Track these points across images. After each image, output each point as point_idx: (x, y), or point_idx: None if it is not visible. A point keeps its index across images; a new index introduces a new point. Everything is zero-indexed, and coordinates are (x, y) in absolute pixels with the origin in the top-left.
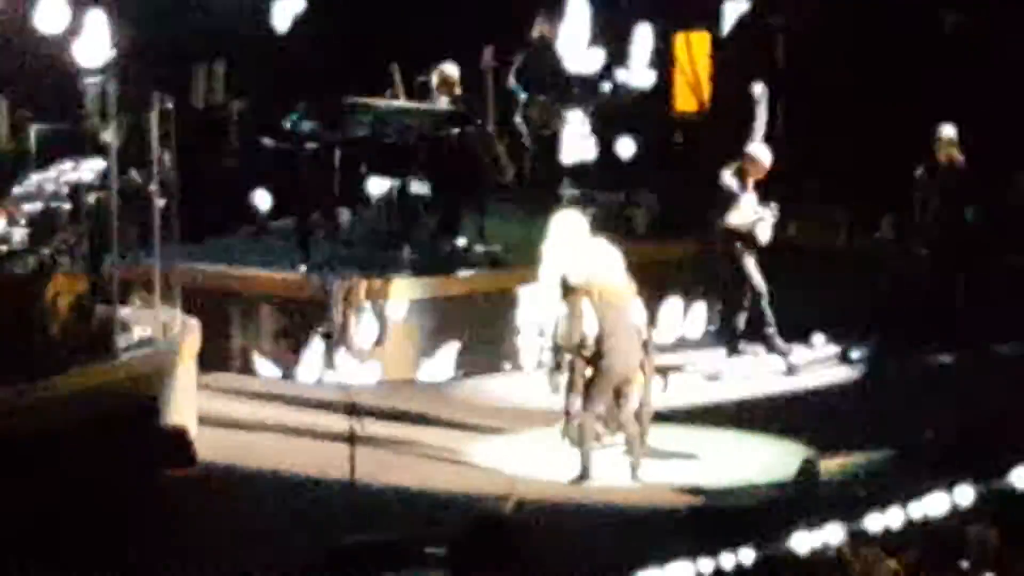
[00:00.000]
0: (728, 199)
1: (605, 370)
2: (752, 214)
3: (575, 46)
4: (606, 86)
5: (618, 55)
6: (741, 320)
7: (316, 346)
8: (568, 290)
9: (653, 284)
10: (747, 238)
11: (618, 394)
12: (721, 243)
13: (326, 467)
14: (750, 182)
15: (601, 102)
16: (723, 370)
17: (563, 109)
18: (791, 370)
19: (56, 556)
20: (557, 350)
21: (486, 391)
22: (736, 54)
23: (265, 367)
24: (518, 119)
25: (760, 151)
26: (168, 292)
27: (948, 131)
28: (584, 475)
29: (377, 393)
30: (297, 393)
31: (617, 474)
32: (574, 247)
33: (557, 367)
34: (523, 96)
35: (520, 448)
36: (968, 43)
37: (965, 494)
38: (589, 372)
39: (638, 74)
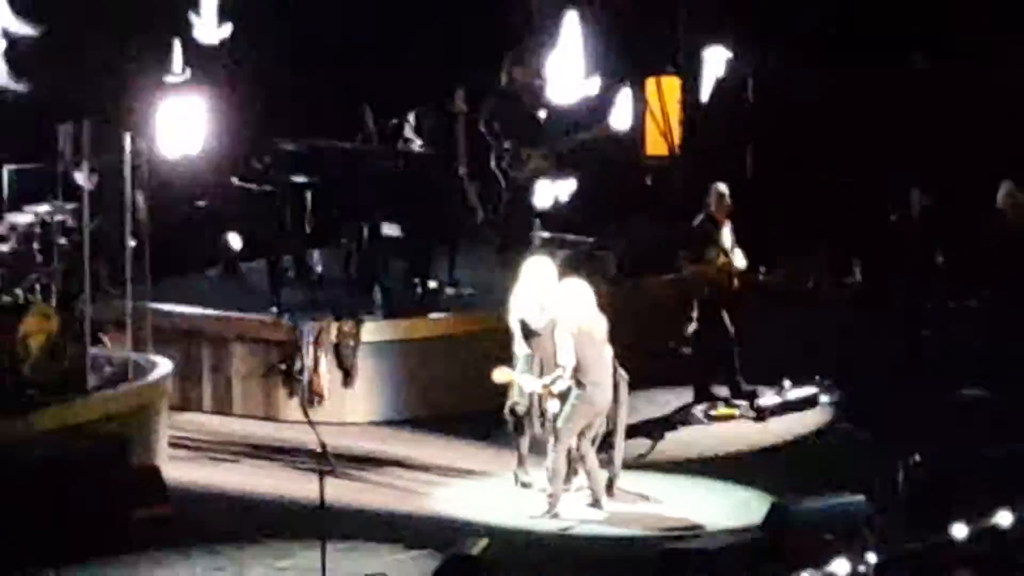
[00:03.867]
0: (698, 243)
1: (586, 402)
2: (722, 257)
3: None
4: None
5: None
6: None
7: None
8: (530, 333)
9: (625, 326)
10: (715, 282)
11: (586, 427)
12: (691, 287)
13: (296, 507)
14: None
15: (571, 146)
16: (694, 413)
17: (532, 153)
18: (760, 413)
19: None
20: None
21: (457, 432)
22: (707, 99)
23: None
24: (493, 164)
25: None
26: (139, 332)
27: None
28: (552, 512)
29: (346, 434)
30: (267, 433)
31: (584, 515)
32: (543, 290)
33: (512, 412)
34: (493, 142)
35: (490, 488)
36: (937, 84)
37: (940, 537)
38: (558, 407)
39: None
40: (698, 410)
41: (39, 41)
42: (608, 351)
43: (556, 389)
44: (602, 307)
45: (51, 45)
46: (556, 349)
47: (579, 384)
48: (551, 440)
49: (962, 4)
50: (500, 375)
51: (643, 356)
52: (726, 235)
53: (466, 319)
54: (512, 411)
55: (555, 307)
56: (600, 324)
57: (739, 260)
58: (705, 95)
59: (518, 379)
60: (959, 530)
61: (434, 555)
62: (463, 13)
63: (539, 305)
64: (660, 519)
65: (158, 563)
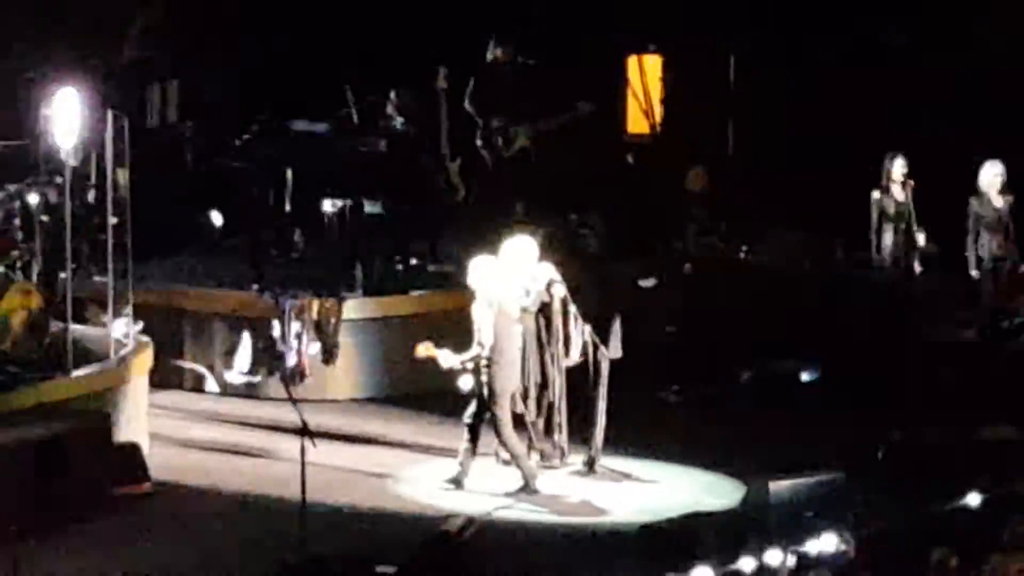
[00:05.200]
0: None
1: (502, 380)
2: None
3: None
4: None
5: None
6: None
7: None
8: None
9: (604, 304)
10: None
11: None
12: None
13: (277, 485)
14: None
15: (555, 124)
16: (670, 391)
17: (517, 131)
18: (740, 391)
19: (9, 571)
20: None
21: (438, 409)
22: (688, 78)
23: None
24: (479, 142)
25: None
26: (121, 309)
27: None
28: (531, 489)
29: (328, 411)
30: (248, 410)
31: (565, 493)
32: (527, 269)
33: None
34: (479, 119)
35: (471, 467)
36: (914, 64)
37: (919, 515)
38: (471, 384)
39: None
40: (673, 388)
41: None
42: (519, 330)
43: (470, 366)
44: (584, 286)
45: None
46: (480, 326)
47: (494, 363)
48: (500, 437)
49: None
50: (423, 350)
51: (626, 336)
52: (706, 215)
53: (447, 296)
54: None
55: (475, 285)
56: (516, 303)
57: (718, 241)
58: (686, 73)
59: (438, 355)
60: (937, 507)
61: (415, 532)
62: None
63: (524, 285)
64: (640, 498)
65: (138, 541)
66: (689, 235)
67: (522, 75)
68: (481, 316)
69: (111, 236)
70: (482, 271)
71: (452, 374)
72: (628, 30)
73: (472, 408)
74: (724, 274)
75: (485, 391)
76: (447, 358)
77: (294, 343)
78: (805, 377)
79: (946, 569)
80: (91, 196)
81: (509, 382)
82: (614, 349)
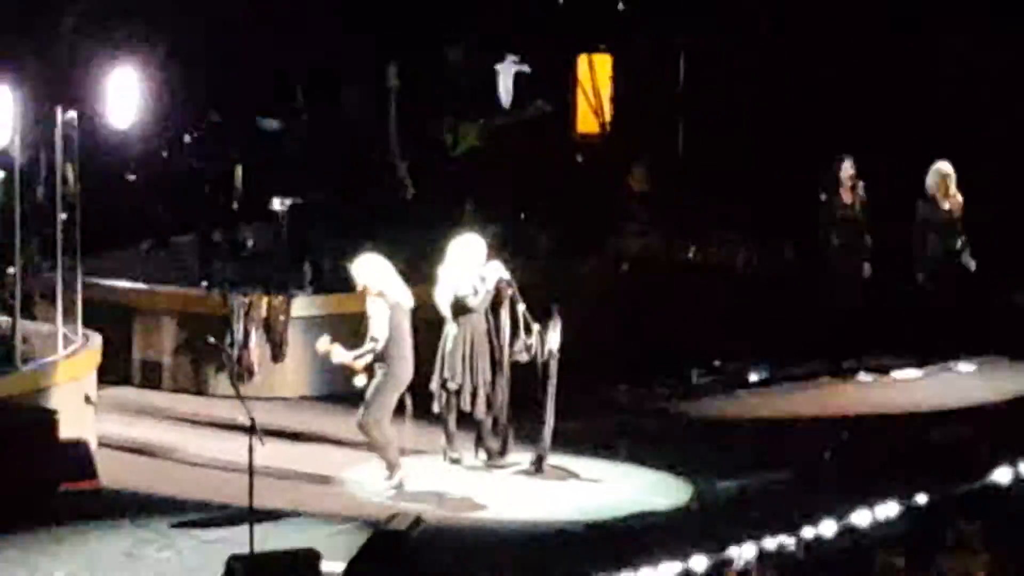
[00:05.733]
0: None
1: (394, 376)
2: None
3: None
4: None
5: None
6: None
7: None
8: (463, 311)
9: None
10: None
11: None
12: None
13: (225, 482)
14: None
15: (506, 123)
16: (621, 391)
17: (468, 130)
18: (688, 391)
19: None
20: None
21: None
22: (638, 76)
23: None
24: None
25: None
26: (70, 305)
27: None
28: (395, 481)
29: (276, 409)
30: (197, 407)
31: (512, 492)
32: (475, 268)
33: (443, 386)
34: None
35: (418, 465)
36: (865, 64)
37: (866, 517)
38: (364, 381)
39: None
40: (623, 388)
41: None
42: (408, 325)
43: (363, 362)
44: (535, 286)
45: None
46: (373, 321)
47: (388, 358)
48: (366, 417)
49: None
50: (321, 345)
51: (575, 335)
52: (646, 215)
53: None
54: (443, 387)
55: (369, 281)
56: (409, 298)
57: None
58: (637, 72)
59: (334, 350)
60: (887, 509)
61: (362, 530)
62: None
63: (472, 284)
64: (587, 497)
65: (86, 537)
66: (628, 234)
67: (474, 74)
68: (374, 311)
69: (60, 232)
70: (368, 267)
71: (348, 371)
72: (578, 29)
73: None
74: (665, 273)
75: (380, 382)
76: (340, 353)
77: (242, 340)
78: (754, 377)
79: (892, 570)
80: (40, 192)
81: (405, 374)
82: (552, 340)
